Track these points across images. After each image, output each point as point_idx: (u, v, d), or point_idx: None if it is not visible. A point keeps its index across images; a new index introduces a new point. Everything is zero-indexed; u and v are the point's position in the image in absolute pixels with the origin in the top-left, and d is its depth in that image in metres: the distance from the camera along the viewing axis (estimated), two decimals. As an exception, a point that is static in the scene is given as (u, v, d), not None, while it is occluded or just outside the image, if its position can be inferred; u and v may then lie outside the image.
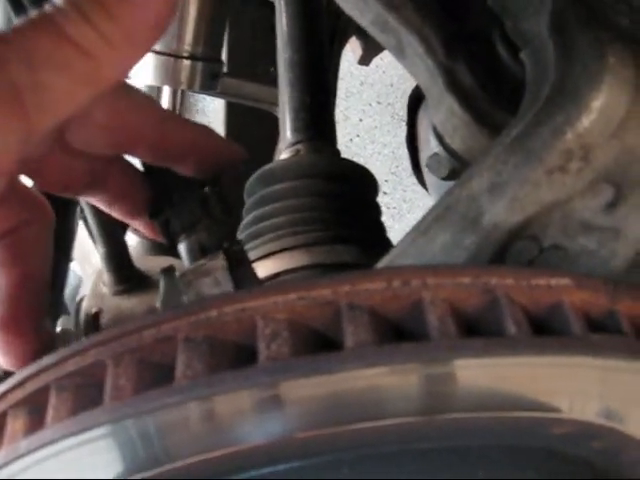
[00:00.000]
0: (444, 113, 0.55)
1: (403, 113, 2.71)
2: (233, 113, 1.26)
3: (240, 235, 0.68)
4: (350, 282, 0.35)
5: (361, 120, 2.52)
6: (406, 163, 2.39)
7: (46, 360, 0.38)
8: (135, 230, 0.91)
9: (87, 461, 0.35)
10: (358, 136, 2.49)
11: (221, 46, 0.89)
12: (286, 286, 0.35)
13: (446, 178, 0.60)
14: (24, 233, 0.49)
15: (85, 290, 0.80)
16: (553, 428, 0.38)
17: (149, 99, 0.49)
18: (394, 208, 2.33)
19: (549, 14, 0.46)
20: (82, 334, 0.76)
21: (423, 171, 0.96)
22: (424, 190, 1.02)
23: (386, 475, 0.39)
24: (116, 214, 0.53)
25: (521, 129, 0.44)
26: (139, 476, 0.36)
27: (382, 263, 0.50)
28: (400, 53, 0.56)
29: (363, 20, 0.57)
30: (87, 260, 1.01)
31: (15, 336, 0.47)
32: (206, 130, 0.52)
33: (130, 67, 0.39)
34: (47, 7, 0.37)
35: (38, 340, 0.48)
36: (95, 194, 0.51)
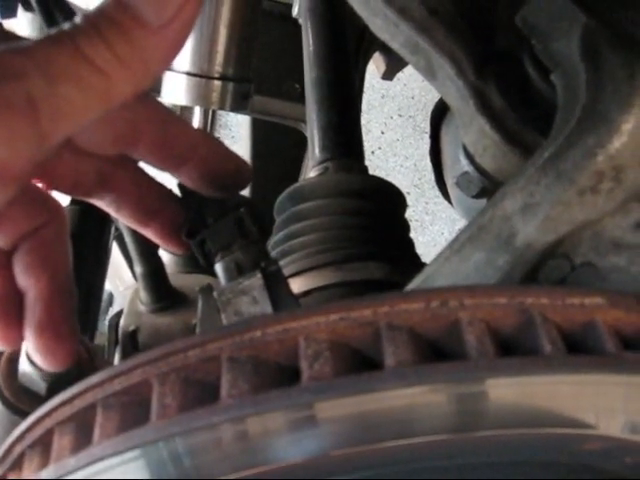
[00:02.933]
0: (475, 133, 0.56)
1: (425, 125, 2.71)
2: (258, 128, 1.27)
3: (271, 252, 0.69)
4: (389, 303, 0.36)
5: (383, 133, 2.53)
6: (428, 175, 2.39)
7: (93, 379, 0.39)
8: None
9: (137, 475, 0.36)
10: (380, 149, 2.50)
11: (251, 66, 0.90)
12: (327, 307, 0.36)
13: (476, 196, 0.60)
14: (43, 235, 0.50)
15: (119, 306, 0.82)
16: (586, 444, 0.39)
17: (152, 97, 0.50)
18: (417, 221, 2.33)
19: (579, 36, 0.46)
20: (115, 350, 0.77)
21: (447, 184, 0.97)
22: (447, 202, 1.02)
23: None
24: (125, 219, 0.53)
25: (553, 151, 0.45)
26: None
27: (416, 281, 0.51)
28: (431, 75, 0.57)
29: (394, 43, 0.58)
30: (118, 276, 1.02)
31: (52, 339, 0.48)
32: (209, 137, 0.53)
33: (143, 87, 0.41)
34: (66, 25, 0.39)
35: (74, 341, 0.49)
36: (103, 196, 0.52)
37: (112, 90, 0.39)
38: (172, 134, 0.50)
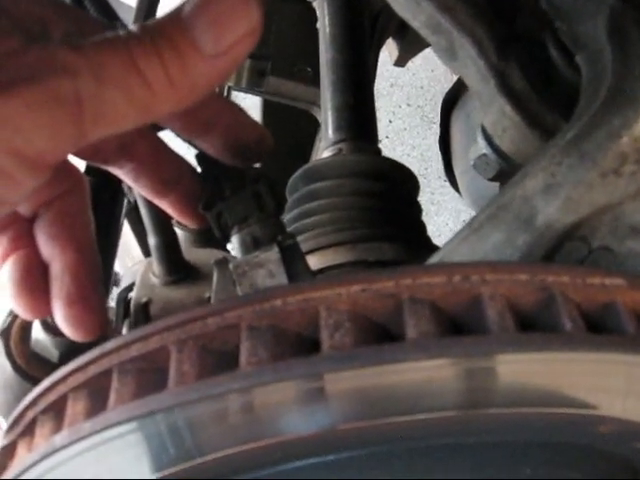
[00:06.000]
0: (495, 114, 0.55)
1: (433, 115, 2.70)
2: (269, 111, 1.27)
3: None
4: (412, 276, 0.36)
5: (390, 122, 2.53)
6: (435, 165, 2.39)
7: (109, 345, 0.39)
8: (178, 223, 0.92)
9: (150, 443, 0.36)
10: (387, 137, 2.50)
11: (268, 44, 0.90)
12: (349, 278, 0.36)
13: (493, 179, 0.60)
14: (65, 204, 0.50)
15: (126, 281, 0.82)
16: (600, 426, 0.39)
17: None
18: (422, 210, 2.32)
19: (606, 18, 0.46)
20: (123, 324, 0.77)
21: (455, 173, 0.97)
22: (453, 192, 1.02)
23: (436, 469, 0.40)
24: (142, 189, 0.54)
25: (576, 131, 0.45)
26: (194, 462, 0.37)
27: (434, 259, 0.51)
28: (451, 55, 0.57)
29: (415, 22, 0.57)
30: (128, 253, 1.02)
31: (83, 310, 0.49)
32: (234, 105, 0.53)
33: (183, 107, 0.41)
34: (122, 31, 0.39)
35: (103, 311, 0.50)
36: (122, 164, 0.52)
37: (154, 105, 0.40)
38: (199, 102, 0.49)
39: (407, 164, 0.75)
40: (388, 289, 0.35)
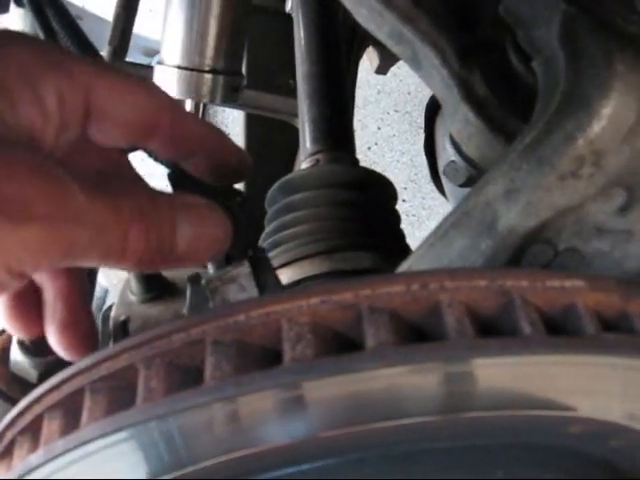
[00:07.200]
0: (460, 122, 0.56)
1: (421, 121, 2.69)
2: (253, 124, 1.27)
3: (262, 243, 0.69)
4: (370, 286, 0.36)
5: (379, 128, 2.53)
6: (425, 171, 2.38)
7: (80, 364, 0.39)
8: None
9: (121, 460, 0.37)
10: (376, 144, 2.50)
11: (241, 60, 0.90)
12: (309, 291, 0.36)
13: (463, 185, 0.61)
14: None
15: (112, 299, 0.82)
16: (570, 427, 0.39)
17: (166, 94, 0.50)
18: (413, 215, 2.33)
19: (559, 23, 0.47)
20: (108, 342, 0.78)
21: (442, 178, 0.97)
22: (443, 197, 1.02)
23: (407, 474, 0.40)
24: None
25: (533, 137, 0.45)
26: (171, 475, 0.37)
27: (401, 268, 0.51)
28: (416, 64, 0.58)
29: (379, 33, 0.58)
30: (113, 271, 1.02)
31: (76, 334, 0.50)
32: (216, 130, 0.53)
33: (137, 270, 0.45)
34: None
35: (94, 336, 0.51)
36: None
37: (118, 260, 0.42)
38: (185, 129, 0.50)
39: (397, 170, 0.75)
40: (347, 300, 0.36)
